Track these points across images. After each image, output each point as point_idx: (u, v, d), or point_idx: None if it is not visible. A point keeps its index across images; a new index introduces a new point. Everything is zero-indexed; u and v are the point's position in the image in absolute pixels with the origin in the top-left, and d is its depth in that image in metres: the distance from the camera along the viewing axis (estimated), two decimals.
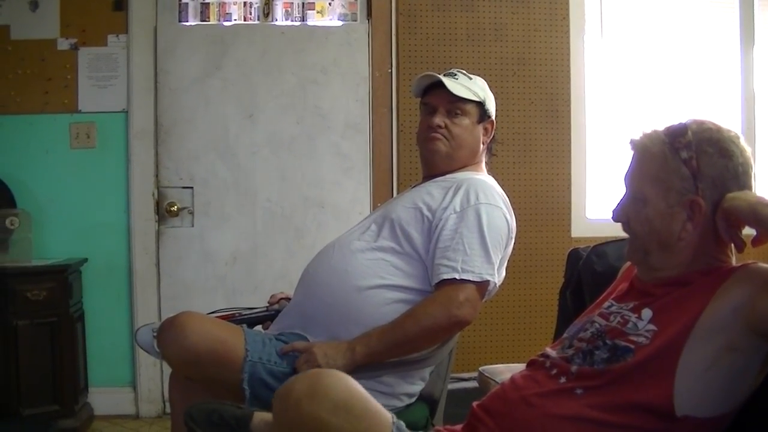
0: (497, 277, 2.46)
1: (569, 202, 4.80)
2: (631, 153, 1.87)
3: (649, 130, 1.84)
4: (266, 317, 2.70)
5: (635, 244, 1.85)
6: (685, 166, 1.74)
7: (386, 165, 4.69)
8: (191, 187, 4.63)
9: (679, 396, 1.62)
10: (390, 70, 4.69)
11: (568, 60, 4.79)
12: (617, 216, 1.87)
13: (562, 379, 1.77)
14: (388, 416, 1.74)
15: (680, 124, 1.81)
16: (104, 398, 4.54)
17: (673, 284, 1.77)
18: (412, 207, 2.51)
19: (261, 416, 1.92)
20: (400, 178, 4.63)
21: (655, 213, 1.78)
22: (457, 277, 2.34)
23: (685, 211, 1.75)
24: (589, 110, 4.87)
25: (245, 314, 2.67)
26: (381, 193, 4.60)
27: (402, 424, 1.75)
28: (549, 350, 1.92)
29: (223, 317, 2.56)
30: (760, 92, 4.99)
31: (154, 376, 4.58)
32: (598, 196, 4.87)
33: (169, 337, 2.29)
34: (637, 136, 1.86)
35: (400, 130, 4.65)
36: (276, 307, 2.73)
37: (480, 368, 3.15)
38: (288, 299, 2.71)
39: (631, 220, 1.83)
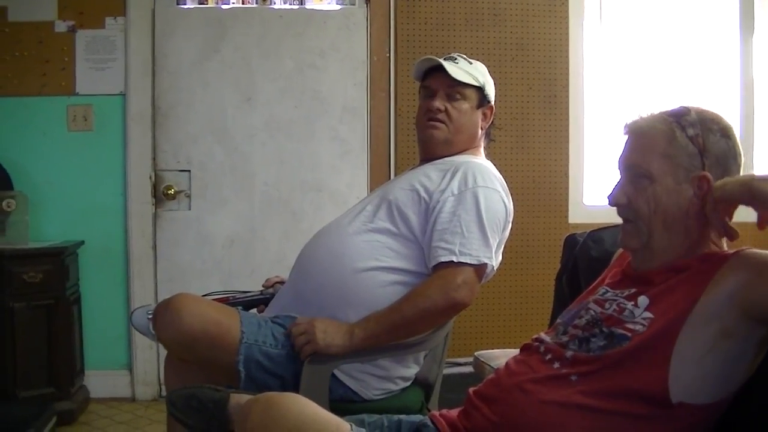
0: (494, 260, 2.45)
1: (566, 188, 4.81)
2: (627, 136, 1.86)
3: (646, 113, 1.84)
4: (260, 300, 2.71)
5: (638, 225, 1.81)
6: (692, 143, 1.75)
7: (384, 149, 4.69)
8: (188, 171, 4.63)
9: (674, 383, 1.62)
10: (388, 55, 4.68)
11: (567, 45, 4.79)
12: (616, 198, 1.83)
13: (556, 365, 1.77)
14: (346, 428, 1.72)
15: (679, 106, 1.82)
16: (100, 381, 4.55)
17: (670, 270, 1.77)
18: (410, 189, 2.50)
19: (237, 398, 1.93)
20: (398, 162, 4.63)
21: (663, 190, 1.76)
22: (455, 260, 2.33)
23: (692, 188, 1.75)
24: (588, 96, 4.87)
25: (239, 297, 2.68)
26: (378, 177, 4.59)
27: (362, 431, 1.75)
28: (543, 335, 1.92)
29: (217, 300, 2.56)
30: (759, 80, 4.97)
31: (150, 358, 4.59)
32: (596, 183, 4.86)
33: (164, 320, 2.29)
34: (635, 119, 1.85)
35: (398, 115, 4.64)
36: (270, 290, 2.73)
37: (475, 353, 3.16)
38: (282, 283, 2.71)
39: (633, 200, 1.80)
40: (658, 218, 1.78)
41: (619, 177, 1.86)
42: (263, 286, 2.79)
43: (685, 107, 1.81)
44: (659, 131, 1.78)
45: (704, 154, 1.75)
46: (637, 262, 1.87)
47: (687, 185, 1.75)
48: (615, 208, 1.87)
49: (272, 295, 2.68)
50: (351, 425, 1.74)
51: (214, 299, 2.55)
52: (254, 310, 2.67)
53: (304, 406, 1.73)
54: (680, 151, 1.75)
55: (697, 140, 1.75)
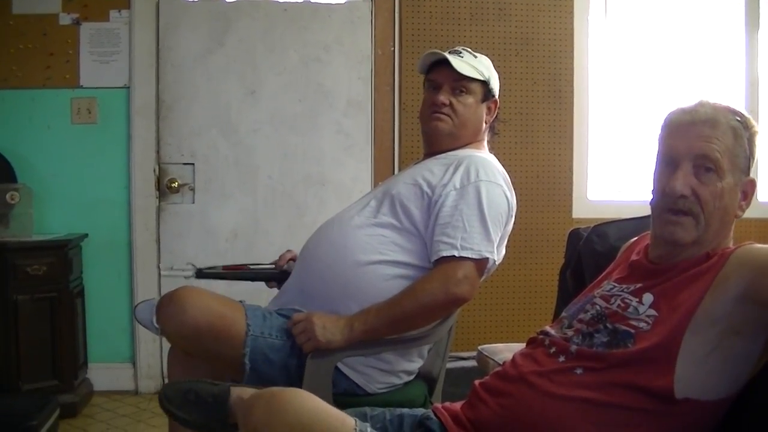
0: (496, 254, 2.44)
1: (571, 183, 4.80)
2: (691, 123, 1.76)
3: (711, 101, 1.79)
4: (274, 275, 2.72)
5: (698, 219, 1.73)
6: (748, 145, 1.75)
7: (388, 143, 4.69)
8: (192, 164, 4.63)
9: (680, 380, 1.62)
10: (393, 49, 4.68)
11: (572, 40, 4.78)
12: (681, 189, 1.72)
13: (561, 358, 1.77)
14: (351, 423, 1.71)
15: (728, 105, 1.80)
16: (103, 374, 4.55)
17: (685, 265, 1.75)
18: (413, 183, 2.49)
19: (239, 392, 1.92)
20: (402, 156, 4.63)
21: (726, 186, 1.73)
22: (456, 254, 2.32)
23: (740, 190, 1.75)
24: (592, 91, 4.86)
25: (253, 268, 2.68)
26: (382, 171, 4.60)
27: (366, 426, 1.73)
28: (548, 328, 1.91)
29: (233, 268, 2.57)
30: (763, 76, 4.96)
31: (153, 352, 4.59)
32: (600, 178, 4.86)
33: (168, 312, 2.28)
34: (701, 106, 1.78)
35: (402, 109, 4.64)
36: (284, 266, 2.72)
37: (479, 347, 3.15)
38: (295, 259, 2.69)
39: (699, 193, 1.73)
40: (718, 215, 1.74)
41: (673, 165, 1.77)
42: (276, 264, 2.79)
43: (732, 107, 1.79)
44: (729, 128, 1.74)
45: (751, 157, 1.75)
46: (665, 254, 1.82)
47: (739, 186, 1.75)
48: (668, 198, 1.76)
49: (285, 272, 2.68)
50: (355, 420, 1.73)
51: (227, 267, 2.56)
52: (260, 303, 2.66)
53: (307, 400, 1.72)
54: (740, 151, 1.74)
55: (752, 142, 1.76)
